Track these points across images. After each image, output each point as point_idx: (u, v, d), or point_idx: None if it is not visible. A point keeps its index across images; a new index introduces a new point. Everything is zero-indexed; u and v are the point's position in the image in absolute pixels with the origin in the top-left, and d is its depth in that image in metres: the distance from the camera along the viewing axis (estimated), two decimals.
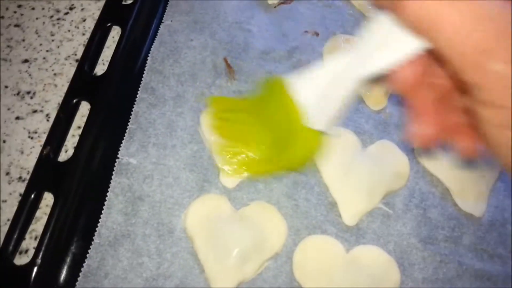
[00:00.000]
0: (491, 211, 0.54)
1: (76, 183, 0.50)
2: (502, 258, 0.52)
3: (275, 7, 0.65)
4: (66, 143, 0.54)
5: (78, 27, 0.63)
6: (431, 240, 0.52)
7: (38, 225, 0.50)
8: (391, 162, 0.55)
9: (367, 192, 0.53)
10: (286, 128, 0.45)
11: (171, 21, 0.62)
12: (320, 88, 0.41)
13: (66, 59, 0.60)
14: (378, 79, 0.36)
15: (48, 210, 0.50)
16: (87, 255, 0.47)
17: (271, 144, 0.48)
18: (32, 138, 0.55)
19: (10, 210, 0.50)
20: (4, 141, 0.55)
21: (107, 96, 0.55)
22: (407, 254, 0.51)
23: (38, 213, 0.50)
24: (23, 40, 0.61)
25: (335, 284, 0.48)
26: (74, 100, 0.55)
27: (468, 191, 0.54)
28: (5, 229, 0.49)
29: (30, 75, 0.59)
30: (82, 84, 0.56)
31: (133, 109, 0.55)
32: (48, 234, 0.48)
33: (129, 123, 0.54)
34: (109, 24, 0.61)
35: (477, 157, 0.36)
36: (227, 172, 0.51)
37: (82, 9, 0.65)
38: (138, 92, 0.56)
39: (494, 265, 0.51)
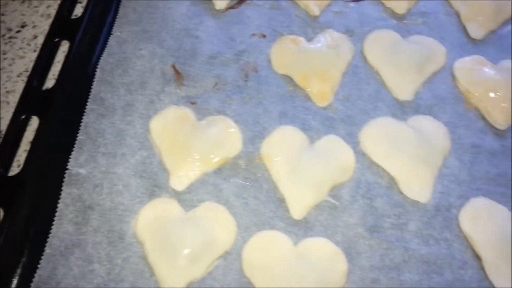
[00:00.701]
0: (437, 197, 0.55)
1: (26, 196, 0.52)
2: (447, 241, 0.53)
3: (223, 12, 0.67)
4: (18, 157, 0.55)
5: (29, 44, 0.64)
6: (377, 229, 0.53)
7: None
8: (337, 156, 0.57)
9: (314, 186, 0.54)
10: None
11: (120, 32, 0.63)
12: None
13: (18, 76, 0.62)
14: None
15: None
16: (38, 266, 0.48)
17: None
18: None
19: None
20: None
21: (56, 109, 0.57)
22: (354, 244, 0.52)
23: None
24: None
25: (284, 278, 0.49)
26: (23, 116, 0.56)
27: (413, 179, 0.56)
28: None
29: None
30: (31, 99, 0.57)
31: (82, 120, 0.56)
32: None
33: (78, 134, 0.55)
34: (57, 39, 0.62)
35: None
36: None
37: (34, 26, 0.67)
38: (87, 103, 0.57)
39: (440, 249, 0.53)
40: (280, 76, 0.62)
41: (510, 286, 0.51)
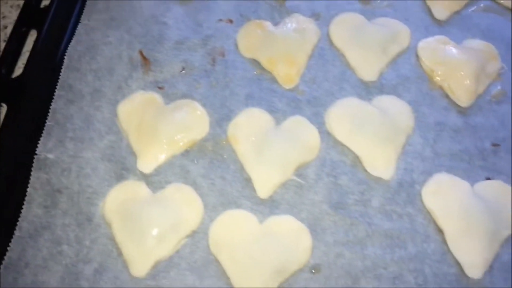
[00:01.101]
0: (400, 173, 0.57)
1: None
2: (410, 216, 0.54)
3: None
4: None
5: None
6: (342, 205, 0.54)
7: None
8: (302, 136, 0.58)
9: (280, 166, 0.55)
10: None
11: (88, 20, 0.64)
12: None
13: None
14: None
15: None
16: (8, 248, 0.49)
17: None
18: None
19: None
20: None
21: (24, 96, 0.57)
22: (319, 220, 0.53)
23: None
24: None
25: (250, 254, 0.50)
26: None
27: (377, 157, 0.57)
28: None
29: None
30: (0, 87, 0.58)
31: (50, 107, 0.56)
32: None
33: (46, 121, 0.55)
34: (25, 29, 0.63)
35: None
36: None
37: (4, 17, 0.67)
38: (56, 90, 0.58)
39: (403, 223, 0.54)
40: (247, 60, 0.63)
41: (471, 258, 0.52)
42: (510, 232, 0.54)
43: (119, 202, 0.52)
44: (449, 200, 0.55)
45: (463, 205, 0.55)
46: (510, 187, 0.56)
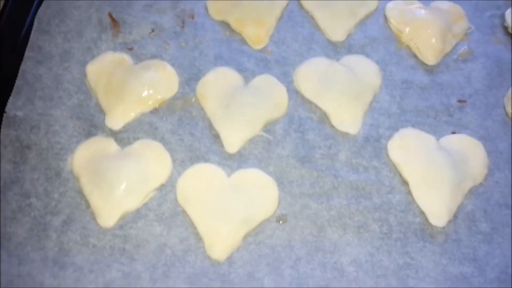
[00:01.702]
0: (366, 128, 0.58)
1: None
2: (376, 169, 0.56)
3: None
4: None
5: None
6: (309, 159, 0.55)
7: None
8: (270, 93, 0.59)
9: (248, 122, 0.56)
10: None
11: None
12: None
13: None
14: None
15: None
16: None
17: None
18: None
19: None
20: None
21: None
22: (286, 174, 0.54)
23: None
24: None
25: (217, 205, 0.51)
26: None
27: (344, 113, 0.58)
28: None
29: None
30: None
31: (20, 67, 0.57)
32: None
33: (16, 80, 0.56)
34: None
35: None
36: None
37: None
38: (25, 51, 0.58)
39: (369, 175, 0.55)
40: (217, 22, 0.64)
41: (435, 207, 0.53)
42: (474, 184, 0.55)
43: (88, 157, 0.53)
44: (414, 152, 0.56)
45: (428, 157, 0.56)
46: (475, 141, 0.57)
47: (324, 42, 0.63)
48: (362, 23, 0.65)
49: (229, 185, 0.53)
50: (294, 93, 0.59)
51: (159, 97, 0.57)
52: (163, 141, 0.55)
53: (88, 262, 0.47)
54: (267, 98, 0.58)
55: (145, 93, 0.56)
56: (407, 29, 0.64)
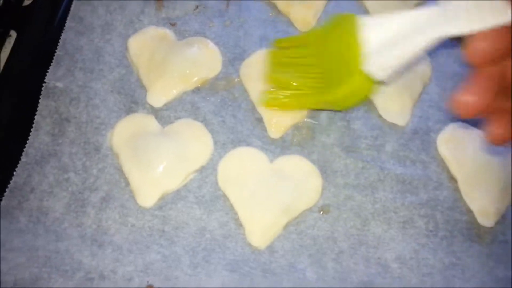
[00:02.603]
0: (415, 120, 0.56)
1: (4, 104, 0.51)
2: (424, 163, 0.53)
3: None
4: None
5: None
6: (354, 149, 0.53)
7: None
8: None
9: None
10: (342, 66, 0.45)
11: None
12: (390, 37, 0.40)
13: None
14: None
15: None
16: (14, 173, 0.48)
17: (320, 78, 0.48)
18: None
19: None
20: None
21: (33, 25, 0.56)
22: (329, 163, 0.52)
23: None
24: None
25: (258, 191, 0.49)
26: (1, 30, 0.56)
27: (392, 102, 0.56)
28: None
29: None
30: (10, 14, 0.57)
31: (60, 37, 0.55)
32: None
33: (56, 50, 0.54)
34: None
35: (506, 145, 0.37)
36: (267, 101, 0.53)
37: None
38: (66, 21, 0.56)
39: (415, 169, 0.53)
40: (263, 3, 0.61)
41: (483, 206, 0.51)
42: None
43: (128, 134, 0.51)
44: (464, 148, 0.54)
45: (478, 153, 0.53)
46: None
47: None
48: None
49: (271, 171, 0.51)
50: None
51: (201, 75, 0.55)
52: (204, 121, 0.53)
53: (127, 242, 0.46)
54: None
55: (187, 71, 0.54)
56: None
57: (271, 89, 0.52)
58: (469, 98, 0.35)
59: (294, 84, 0.50)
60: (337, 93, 0.46)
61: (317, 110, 0.55)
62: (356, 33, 0.43)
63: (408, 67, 0.40)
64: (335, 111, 0.55)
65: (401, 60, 0.41)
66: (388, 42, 0.41)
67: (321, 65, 0.48)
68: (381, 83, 0.45)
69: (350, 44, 0.43)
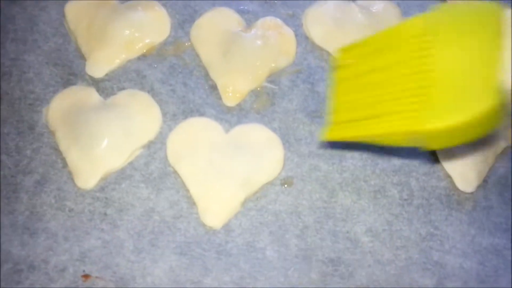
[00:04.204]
0: None
1: None
2: None
3: None
4: None
5: None
6: (319, 114, 0.48)
7: None
8: (276, 39, 0.51)
9: (250, 71, 0.49)
10: (465, 81, 0.31)
11: None
12: None
13: None
14: None
15: None
16: None
17: (413, 97, 0.34)
18: None
19: None
20: None
21: None
22: (292, 130, 0.47)
23: None
24: None
25: (212, 165, 0.44)
26: None
27: None
28: None
29: None
30: None
31: None
32: None
33: None
34: None
35: None
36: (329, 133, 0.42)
37: None
38: None
39: None
40: None
41: (463, 170, 0.46)
42: (508, 144, 0.48)
43: (65, 109, 0.46)
44: None
45: None
46: None
47: None
48: None
49: (227, 142, 0.46)
50: (303, 39, 0.52)
51: (147, 41, 0.50)
52: (151, 91, 0.48)
53: (63, 229, 0.41)
54: (271, 45, 0.50)
55: (131, 36, 0.49)
56: None
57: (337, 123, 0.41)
58: None
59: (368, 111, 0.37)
60: (460, 117, 0.31)
61: (277, 73, 0.49)
62: (498, 32, 0.30)
63: None
64: (297, 74, 0.50)
65: None
66: None
67: (413, 79, 0.34)
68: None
69: (489, 50, 0.30)
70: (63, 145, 0.44)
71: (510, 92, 0.29)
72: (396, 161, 0.47)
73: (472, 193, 0.46)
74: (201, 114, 0.47)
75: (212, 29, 0.51)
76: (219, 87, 0.48)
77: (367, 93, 0.37)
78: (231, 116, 0.48)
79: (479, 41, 0.31)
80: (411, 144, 0.38)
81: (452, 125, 0.30)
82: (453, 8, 0.34)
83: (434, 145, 0.37)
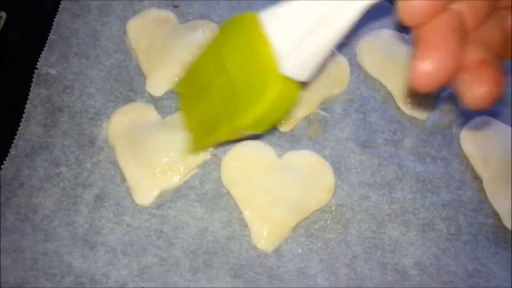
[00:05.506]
0: (437, 113, 0.51)
1: None
2: (445, 160, 0.49)
3: None
4: None
5: None
6: (370, 144, 0.49)
7: None
8: (330, 66, 0.52)
9: (304, 98, 0.50)
10: (255, 76, 0.36)
11: None
12: (302, 27, 0.32)
13: None
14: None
15: None
16: (1, 167, 0.44)
17: (230, 97, 0.39)
18: None
19: None
20: None
21: (25, 6, 0.52)
22: (343, 159, 0.48)
23: None
24: None
25: (265, 188, 0.45)
26: None
27: (413, 94, 0.51)
28: None
29: None
30: None
31: (54, 19, 0.51)
32: None
33: (49, 34, 0.50)
34: None
35: (492, 105, 0.29)
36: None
37: None
38: (61, 2, 0.52)
39: (436, 167, 0.49)
40: None
41: (510, 208, 0.47)
42: None
43: (125, 125, 0.47)
44: (489, 144, 0.50)
45: (505, 150, 0.49)
46: None
47: (395, 13, 0.56)
48: None
49: (280, 167, 0.47)
50: (356, 68, 0.53)
51: None
52: None
53: (122, 243, 0.42)
54: (326, 72, 0.51)
55: (190, 57, 0.50)
56: None
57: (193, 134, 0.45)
58: (431, 64, 0.27)
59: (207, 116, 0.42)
60: (257, 108, 0.36)
61: (330, 101, 0.50)
62: (262, 33, 0.34)
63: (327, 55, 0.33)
64: (349, 103, 0.50)
65: (320, 50, 0.33)
66: (305, 30, 0.32)
67: (229, 83, 0.38)
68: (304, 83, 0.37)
69: (258, 49, 0.35)
70: (122, 160, 0.46)
71: (290, 73, 0.34)
72: (445, 196, 0.47)
73: None
74: (255, 137, 0.48)
75: None
76: None
77: (205, 110, 0.42)
78: (284, 141, 0.49)
79: (249, 43, 0.36)
80: (247, 134, 0.44)
81: (255, 115, 0.36)
82: (227, 22, 0.39)
83: (257, 130, 0.41)
